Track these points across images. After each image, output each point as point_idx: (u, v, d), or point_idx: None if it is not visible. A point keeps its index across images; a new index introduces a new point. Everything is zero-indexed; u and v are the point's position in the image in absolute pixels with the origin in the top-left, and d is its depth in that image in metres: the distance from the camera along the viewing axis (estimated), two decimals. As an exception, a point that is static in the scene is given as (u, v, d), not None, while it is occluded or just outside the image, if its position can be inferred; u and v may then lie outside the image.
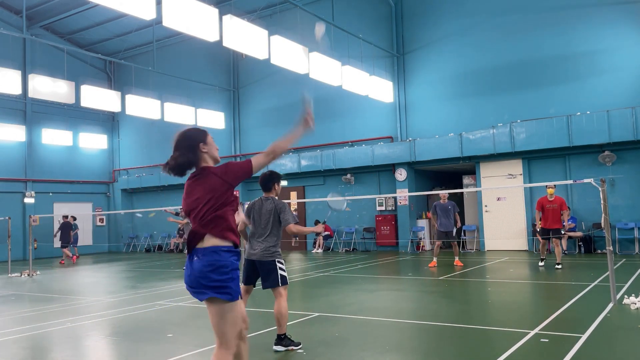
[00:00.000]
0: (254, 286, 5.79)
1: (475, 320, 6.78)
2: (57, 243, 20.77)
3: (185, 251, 17.57)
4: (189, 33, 11.82)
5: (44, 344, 6.51)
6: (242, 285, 5.56)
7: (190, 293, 3.23)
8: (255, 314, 7.36)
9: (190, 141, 3.26)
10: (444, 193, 13.32)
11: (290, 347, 5.42)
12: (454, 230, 13.21)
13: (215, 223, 3.14)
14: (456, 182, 19.94)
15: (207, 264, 3.09)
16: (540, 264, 12.09)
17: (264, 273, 5.47)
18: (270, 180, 5.68)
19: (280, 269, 5.45)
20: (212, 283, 3.09)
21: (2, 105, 23.07)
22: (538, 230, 12.30)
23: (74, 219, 20.59)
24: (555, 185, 12.14)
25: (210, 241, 3.12)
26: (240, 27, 12.42)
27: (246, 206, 5.87)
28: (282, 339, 5.42)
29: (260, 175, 5.68)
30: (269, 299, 8.79)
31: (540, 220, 12.02)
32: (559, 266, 11.60)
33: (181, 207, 3.60)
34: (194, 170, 3.29)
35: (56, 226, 22.26)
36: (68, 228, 19.80)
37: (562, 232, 14.76)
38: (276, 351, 5.38)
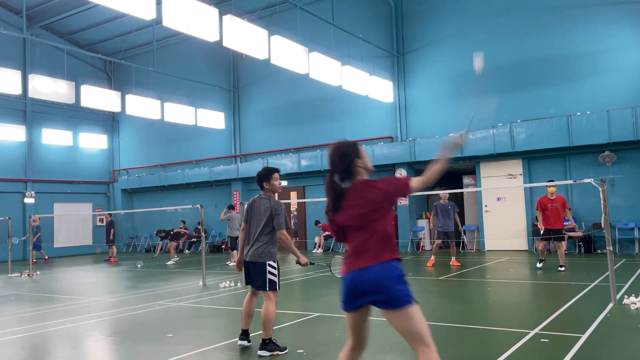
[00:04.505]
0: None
1: (475, 320, 6.78)
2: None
3: (187, 250, 17.33)
4: (189, 33, 11.81)
5: (44, 344, 6.51)
6: (249, 287, 5.56)
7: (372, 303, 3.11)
8: (255, 313, 7.35)
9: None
10: (444, 193, 13.34)
11: (275, 352, 5.23)
12: (454, 231, 13.30)
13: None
14: (456, 182, 19.94)
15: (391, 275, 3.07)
16: (539, 265, 11.77)
17: (255, 274, 5.33)
18: (262, 177, 5.47)
19: (274, 274, 5.26)
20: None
21: (2, 105, 23.06)
22: (541, 231, 11.63)
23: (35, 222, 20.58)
24: (555, 184, 11.78)
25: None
26: (240, 27, 12.42)
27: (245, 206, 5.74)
28: (266, 344, 5.25)
29: (257, 172, 5.63)
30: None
31: (541, 221, 11.53)
32: (562, 268, 11.13)
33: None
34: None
35: (59, 225, 22.34)
36: (110, 227, 19.95)
37: (564, 232, 14.76)
38: (261, 356, 5.22)
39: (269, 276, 5.24)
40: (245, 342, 5.51)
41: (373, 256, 3.10)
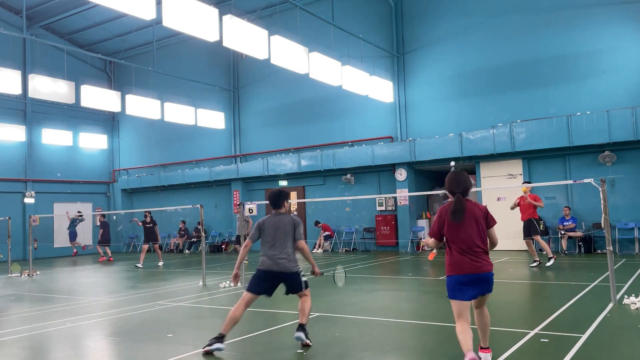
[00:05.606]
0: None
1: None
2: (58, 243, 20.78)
3: (187, 250, 17.27)
4: (189, 33, 11.81)
5: (44, 344, 6.51)
6: (249, 295, 5.64)
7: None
8: (255, 314, 7.35)
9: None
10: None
11: (307, 340, 5.56)
12: None
13: None
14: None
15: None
16: (533, 264, 11.87)
17: (290, 282, 5.76)
18: (280, 198, 5.95)
19: (303, 276, 5.84)
20: None
21: (2, 105, 23.06)
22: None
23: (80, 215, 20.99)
24: (528, 182, 12.64)
25: None
26: (240, 27, 12.41)
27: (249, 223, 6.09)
28: (304, 328, 5.64)
29: (270, 193, 5.99)
30: (268, 300, 8.80)
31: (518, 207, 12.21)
32: (550, 262, 11.45)
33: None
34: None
35: (60, 225, 22.35)
36: (107, 227, 19.98)
37: (563, 232, 14.80)
38: (298, 338, 5.49)
39: (303, 279, 5.83)
40: (222, 345, 5.38)
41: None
